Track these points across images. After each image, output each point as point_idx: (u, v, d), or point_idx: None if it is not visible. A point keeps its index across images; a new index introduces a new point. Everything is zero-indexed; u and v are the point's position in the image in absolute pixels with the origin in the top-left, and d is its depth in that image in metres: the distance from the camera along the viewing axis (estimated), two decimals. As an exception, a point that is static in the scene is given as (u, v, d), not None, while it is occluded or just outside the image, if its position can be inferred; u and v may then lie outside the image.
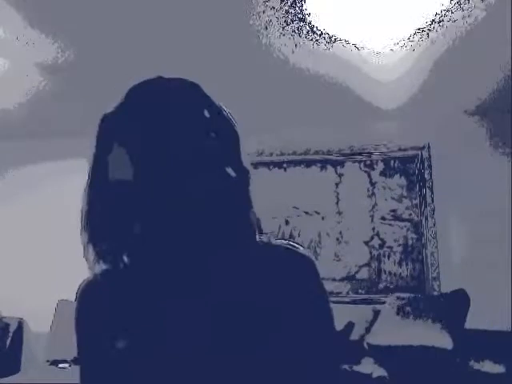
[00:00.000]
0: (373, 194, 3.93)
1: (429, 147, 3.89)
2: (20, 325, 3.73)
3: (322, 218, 3.95)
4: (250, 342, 0.74)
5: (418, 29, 2.70)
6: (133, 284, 0.81)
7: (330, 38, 2.79)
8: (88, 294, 0.85)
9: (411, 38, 2.79)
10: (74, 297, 0.88)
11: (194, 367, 0.74)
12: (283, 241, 0.84)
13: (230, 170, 0.78)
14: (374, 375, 2.76)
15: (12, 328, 3.67)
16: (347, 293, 3.81)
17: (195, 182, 0.73)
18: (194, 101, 0.79)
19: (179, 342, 0.75)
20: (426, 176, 3.87)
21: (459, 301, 3.07)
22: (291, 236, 3.94)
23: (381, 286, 3.80)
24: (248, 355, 0.74)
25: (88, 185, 0.80)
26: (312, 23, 2.66)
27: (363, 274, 3.85)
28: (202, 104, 0.79)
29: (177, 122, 0.74)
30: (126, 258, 0.77)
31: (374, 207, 3.91)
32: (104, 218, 0.77)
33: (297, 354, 0.75)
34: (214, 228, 0.75)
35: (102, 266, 0.79)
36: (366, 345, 3.05)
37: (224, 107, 0.82)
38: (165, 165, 0.73)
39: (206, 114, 0.78)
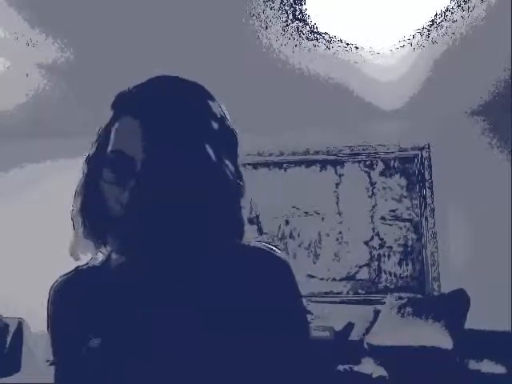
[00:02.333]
0: (373, 194, 3.93)
1: (429, 147, 3.89)
2: (20, 325, 3.72)
3: (322, 219, 3.95)
4: (225, 343, 0.73)
5: (418, 29, 2.70)
6: (110, 281, 0.79)
7: (330, 38, 2.79)
8: (63, 292, 0.84)
9: (411, 38, 2.79)
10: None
11: (169, 368, 0.73)
12: (260, 243, 0.83)
13: (225, 170, 0.76)
14: (374, 375, 2.76)
15: (12, 328, 3.67)
16: (347, 293, 3.81)
17: (190, 175, 0.71)
18: (202, 97, 0.78)
19: (155, 342, 0.74)
20: (426, 176, 3.87)
21: (459, 301, 3.07)
22: (291, 236, 3.94)
23: (381, 286, 3.80)
24: (225, 356, 0.73)
25: (88, 157, 0.79)
26: (312, 23, 2.66)
27: (363, 274, 3.85)
28: (209, 100, 0.78)
29: (182, 114, 0.73)
30: (110, 242, 0.74)
31: (373, 207, 3.91)
32: (96, 191, 0.75)
33: (274, 356, 0.75)
34: (202, 226, 0.73)
35: (86, 247, 0.77)
36: (366, 345, 3.05)
37: (226, 113, 0.81)
38: (164, 153, 0.70)
39: (213, 108, 0.77)
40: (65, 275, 0.86)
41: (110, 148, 0.74)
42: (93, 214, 0.75)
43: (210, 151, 0.73)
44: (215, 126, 0.75)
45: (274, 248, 0.83)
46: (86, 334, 0.77)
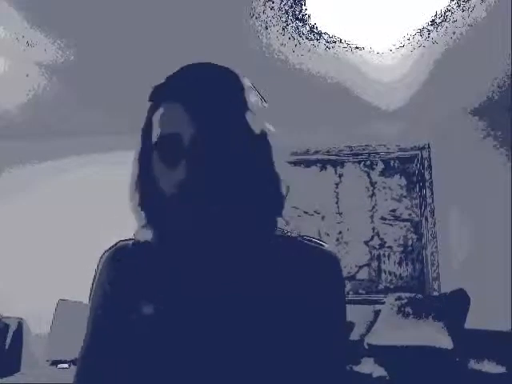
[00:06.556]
0: (373, 194, 3.93)
1: (429, 147, 3.89)
2: (20, 325, 3.72)
3: (322, 218, 3.95)
4: (261, 332, 0.74)
5: (418, 29, 2.70)
6: (162, 256, 0.80)
7: (330, 38, 2.79)
8: (115, 258, 0.84)
9: (411, 38, 2.79)
10: (100, 261, 0.85)
11: (204, 347, 0.74)
12: (308, 237, 0.86)
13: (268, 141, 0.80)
14: (374, 375, 2.76)
15: (12, 328, 3.67)
16: (347, 293, 3.81)
17: (235, 149, 0.73)
18: (235, 75, 0.78)
19: (194, 322, 0.75)
20: (426, 176, 3.87)
21: (459, 301, 3.06)
22: (291, 236, 3.94)
23: (381, 286, 3.80)
24: (258, 344, 0.74)
25: (138, 151, 0.80)
26: (312, 23, 2.66)
27: (363, 274, 3.85)
28: (240, 78, 0.79)
29: (220, 91, 0.74)
30: (165, 227, 0.77)
31: (374, 207, 3.91)
32: (151, 185, 0.77)
33: (305, 351, 0.76)
34: (248, 201, 0.76)
35: (147, 231, 0.79)
36: (366, 345, 3.04)
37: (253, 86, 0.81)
38: (209, 128, 0.71)
39: (245, 85, 0.78)
40: (114, 246, 0.86)
41: (155, 135, 0.75)
42: (150, 198, 0.77)
43: (251, 124, 0.75)
44: (251, 99, 0.77)
45: (322, 243, 0.85)
46: (138, 301, 0.78)
